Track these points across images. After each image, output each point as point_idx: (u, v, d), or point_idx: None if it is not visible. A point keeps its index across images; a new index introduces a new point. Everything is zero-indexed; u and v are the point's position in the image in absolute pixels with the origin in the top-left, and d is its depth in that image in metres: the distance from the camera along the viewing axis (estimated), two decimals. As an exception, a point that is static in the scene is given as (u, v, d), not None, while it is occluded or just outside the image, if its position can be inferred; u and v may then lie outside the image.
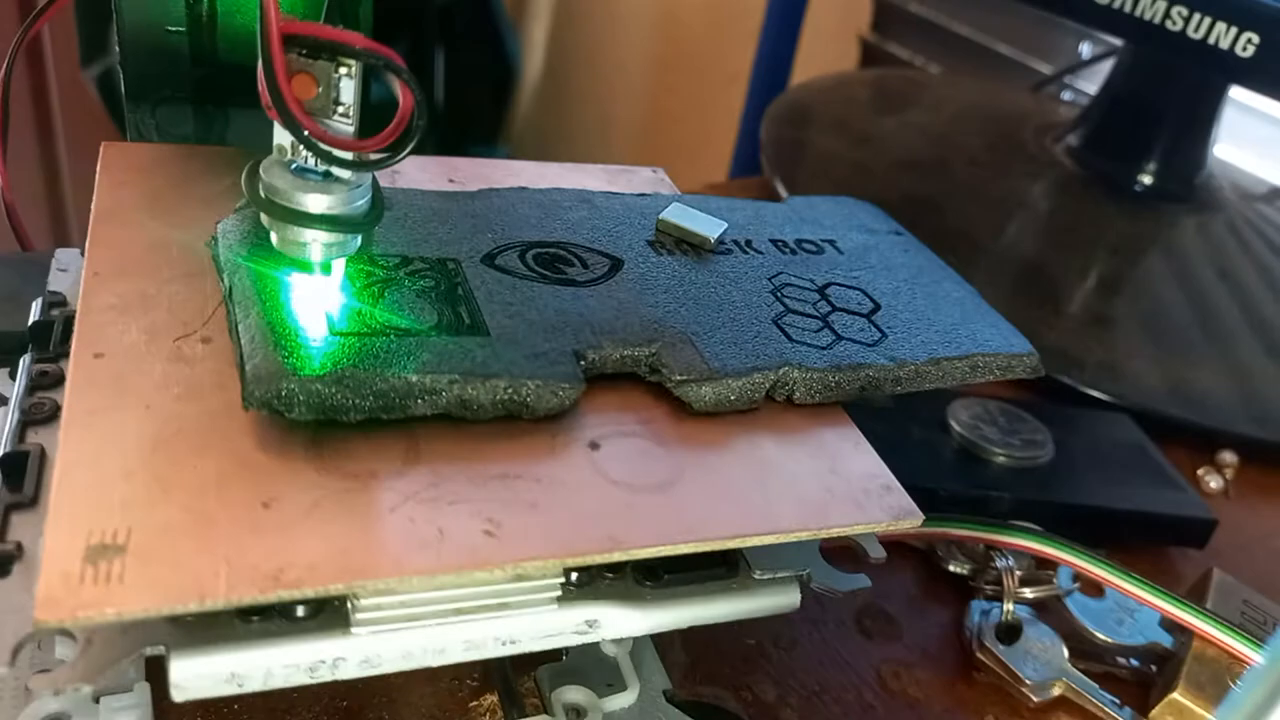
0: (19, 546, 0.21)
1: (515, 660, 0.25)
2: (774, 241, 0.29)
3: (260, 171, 0.20)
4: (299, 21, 0.19)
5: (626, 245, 0.27)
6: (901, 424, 0.36)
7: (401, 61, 0.19)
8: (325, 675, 0.20)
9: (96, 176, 0.26)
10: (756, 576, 0.23)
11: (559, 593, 0.21)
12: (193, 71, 0.28)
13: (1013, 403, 0.38)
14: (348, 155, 0.20)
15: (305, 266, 0.21)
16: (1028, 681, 0.29)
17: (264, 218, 0.21)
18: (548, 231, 0.26)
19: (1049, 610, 0.31)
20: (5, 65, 0.30)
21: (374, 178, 0.21)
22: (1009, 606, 0.30)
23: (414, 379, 0.20)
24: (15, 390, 0.25)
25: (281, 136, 0.20)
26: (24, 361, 0.25)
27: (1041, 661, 0.29)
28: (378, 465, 0.20)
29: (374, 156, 0.20)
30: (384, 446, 0.20)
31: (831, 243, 0.30)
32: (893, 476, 0.23)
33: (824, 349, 0.25)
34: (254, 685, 0.19)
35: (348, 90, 0.20)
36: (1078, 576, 0.32)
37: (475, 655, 0.21)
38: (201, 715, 0.23)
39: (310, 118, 0.19)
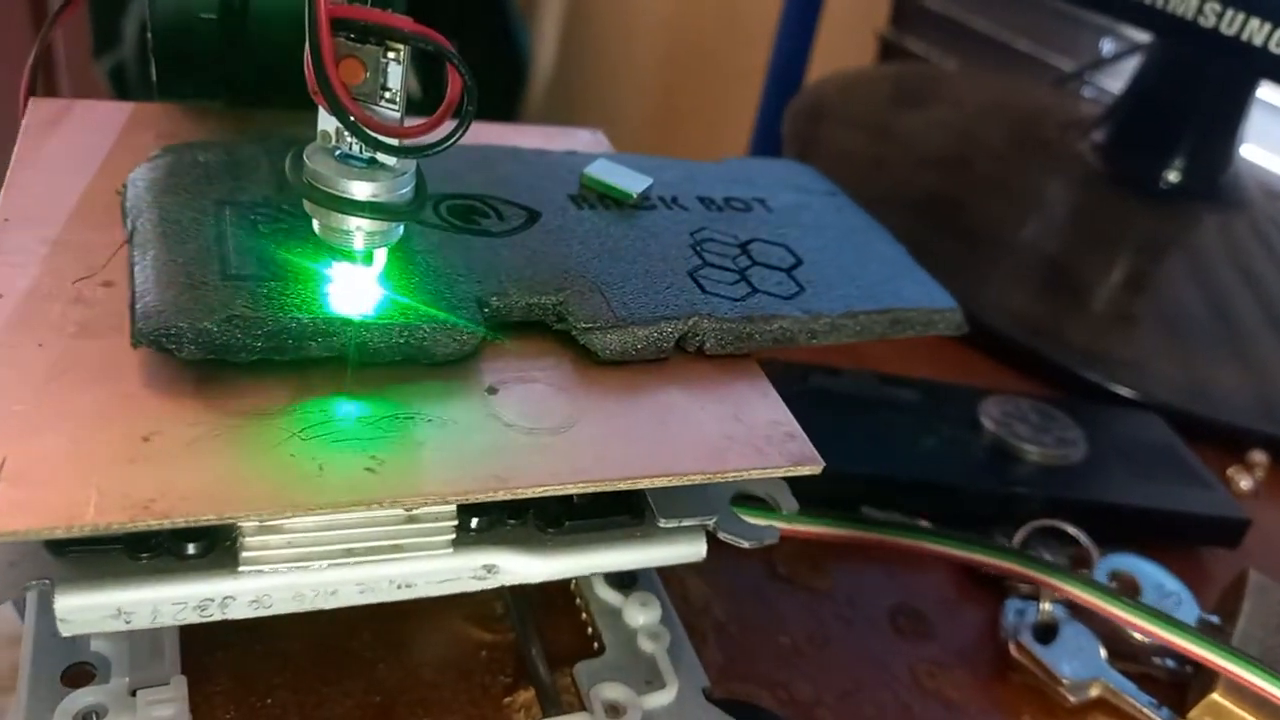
0: None
1: (551, 656, 0.25)
2: (701, 199, 0.29)
3: (304, 157, 0.20)
4: (347, 5, 0.19)
5: (547, 199, 0.26)
6: (932, 421, 0.36)
7: (450, 45, 0.19)
8: (215, 614, 0.20)
9: (21, 128, 0.26)
10: (661, 525, 0.23)
11: (453, 535, 0.21)
12: (225, 61, 0.28)
13: (1044, 400, 0.37)
14: (394, 141, 0.20)
15: (347, 255, 0.21)
16: (1065, 681, 0.29)
17: (307, 204, 0.21)
18: (466, 185, 0.26)
19: (1085, 609, 0.31)
20: (29, 64, 0.29)
21: (418, 164, 0.21)
22: (1045, 605, 0.30)
23: (306, 320, 0.20)
24: None
25: (326, 122, 0.20)
26: None
27: (1078, 660, 0.29)
28: (265, 403, 0.20)
29: (421, 143, 0.20)
30: (275, 386, 0.20)
31: (761, 201, 0.30)
32: (798, 425, 0.23)
33: (737, 300, 0.25)
34: (142, 622, 0.20)
35: (395, 75, 0.19)
36: (1114, 575, 0.32)
37: (370, 598, 0.21)
38: (235, 710, 0.23)
39: (357, 103, 0.19)
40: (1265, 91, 0.51)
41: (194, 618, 0.20)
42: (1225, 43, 0.41)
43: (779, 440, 0.22)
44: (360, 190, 0.20)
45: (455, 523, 0.21)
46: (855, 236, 0.29)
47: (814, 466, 0.22)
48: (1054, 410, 0.37)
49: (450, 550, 0.22)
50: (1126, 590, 0.31)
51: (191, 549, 0.20)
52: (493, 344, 0.22)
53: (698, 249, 0.26)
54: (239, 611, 0.20)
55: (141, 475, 0.18)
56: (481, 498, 0.19)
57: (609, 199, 0.27)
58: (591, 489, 0.20)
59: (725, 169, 0.31)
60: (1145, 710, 0.28)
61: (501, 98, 1.13)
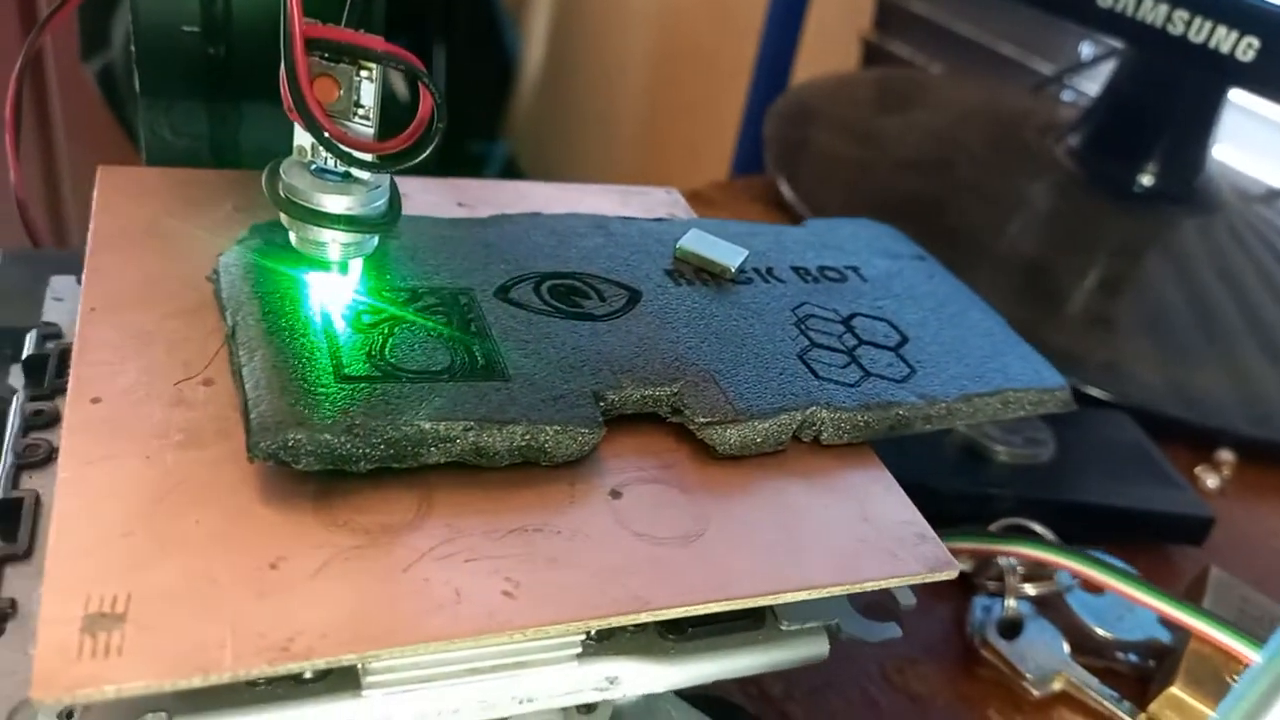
0: (13, 604, 0.20)
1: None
2: (795, 269, 0.28)
3: (280, 171, 0.21)
4: (322, 26, 0.19)
5: (644, 275, 0.26)
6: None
7: (421, 65, 0.20)
8: None
9: (94, 203, 0.25)
10: (784, 628, 0.22)
11: (579, 650, 0.21)
12: (207, 70, 0.29)
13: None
14: (367, 157, 0.20)
15: (324, 266, 0.21)
16: (1028, 676, 0.29)
17: (283, 217, 0.21)
18: (562, 261, 0.25)
19: (1050, 606, 0.31)
20: (18, 69, 0.30)
21: (392, 178, 0.22)
22: (1010, 602, 0.31)
23: (428, 426, 0.19)
24: (8, 431, 0.24)
25: (302, 138, 0.21)
26: (17, 400, 0.24)
27: (1043, 656, 0.30)
28: (389, 518, 0.19)
29: (393, 157, 0.20)
30: (395, 497, 0.19)
31: (855, 269, 0.29)
32: (926, 524, 0.22)
33: (852, 386, 0.24)
34: None
35: (368, 93, 0.20)
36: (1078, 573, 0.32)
37: (490, 714, 0.21)
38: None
39: (331, 120, 0.20)
40: (1237, 94, 0.52)
41: None
42: (1195, 50, 0.42)
43: (910, 543, 0.21)
44: (335, 204, 0.20)
45: (583, 636, 0.21)
46: (950, 305, 0.29)
47: (950, 571, 0.21)
48: (1024, 411, 0.37)
49: (575, 663, 0.21)
50: (1090, 586, 0.32)
51: (309, 674, 0.19)
52: (607, 439, 0.21)
53: (802, 327, 0.26)
54: None
55: (273, 611, 0.17)
56: (624, 621, 0.19)
57: (705, 272, 0.27)
58: (731, 607, 0.19)
59: (811, 233, 0.31)
60: (1107, 704, 0.29)
61: (492, 98, 1.13)
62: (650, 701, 0.25)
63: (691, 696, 0.25)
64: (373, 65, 0.20)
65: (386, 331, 0.21)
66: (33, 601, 0.20)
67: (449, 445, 0.20)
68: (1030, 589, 0.31)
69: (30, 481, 0.22)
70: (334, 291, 0.22)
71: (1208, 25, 0.41)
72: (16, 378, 0.29)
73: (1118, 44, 0.55)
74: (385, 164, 0.21)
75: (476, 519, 0.19)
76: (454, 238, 0.25)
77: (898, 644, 0.30)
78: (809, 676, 0.29)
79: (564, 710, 0.24)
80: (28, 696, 0.17)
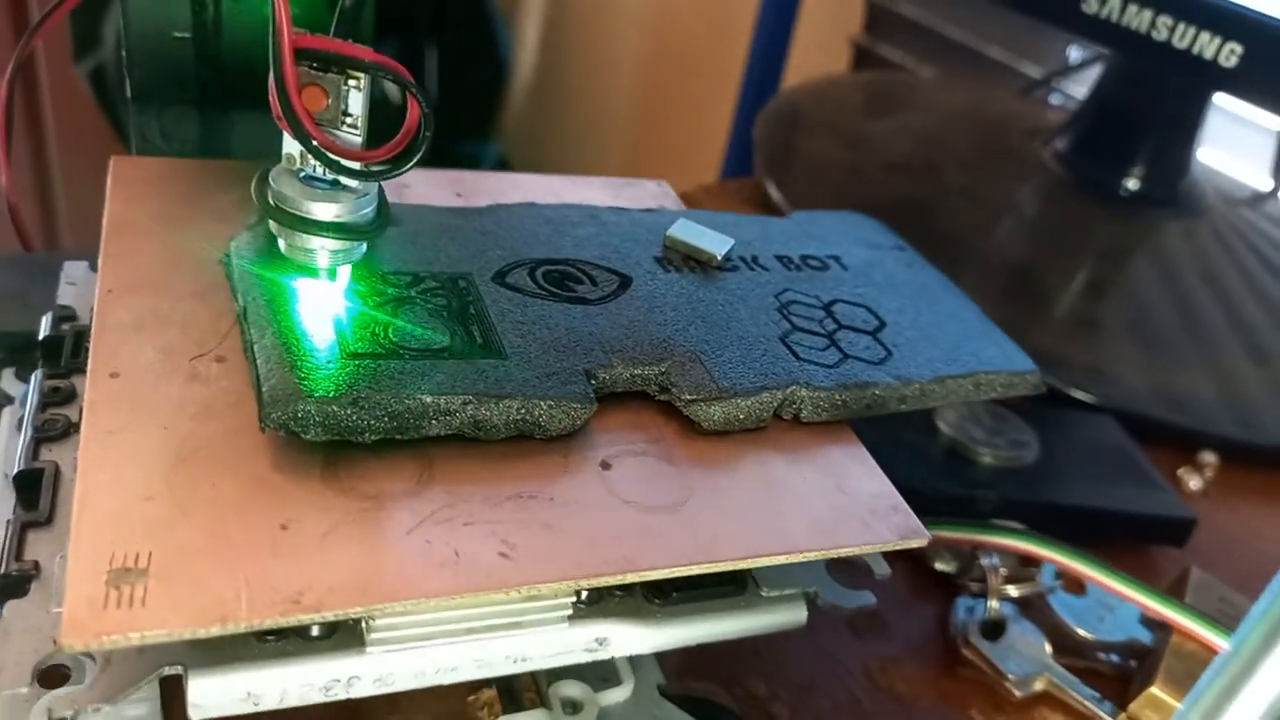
0: (36, 565, 0.21)
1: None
2: (779, 258, 0.29)
3: (270, 179, 0.21)
4: (310, 36, 0.20)
5: (635, 262, 0.27)
6: (890, 424, 0.37)
7: (409, 75, 0.20)
8: (339, 694, 0.20)
9: (108, 190, 0.26)
10: (764, 594, 0.24)
11: (570, 611, 0.22)
12: (198, 76, 0.29)
13: (999, 403, 0.38)
14: (355, 165, 0.21)
15: (312, 272, 0.22)
16: (1011, 676, 0.30)
17: (272, 224, 0.21)
18: (557, 249, 0.27)
19: (1032, 607, 0.32)
20: (9, 73, 0.30)
21: (380, 186, 0.22)
22: (993, 604, 0.31)
23: (429, 400, 0.20)
24: (27, 406, 0.25)
25: (291, 146, 0.21)
26: (35, 377, 0.25)
27: (1024, 657, 0.30)
28: (392, 485, 0.20)
29: (381, 166, 0.21)
30: (398, 466, 0.20)
31: (836, 259, 0.30)
32: (899, 496, 0.23)
33: (831, 367, 0.25)
34: (269, 703, 0.20)
35: (356, 102, 0.20)
36: (1060, 574, 0.33)
37: (486, 673, 0.22)
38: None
39: (319, 129, 0.20)
40: (1221, 99, 0.52)
41: (319, 697, 0.20)
42: (1179, 56, 0.42)
43: (884, 513, 0.23)
44: (323, 211, 0.21)
45: (574, 599, 0.22)
46: (928, 293, 0.30)
47: (920, 539, 0.22)
48: (1007, 413, 0.38)
49: (566, 625, 0.22)
50: (1072, 588, 0.32)
51: (316, 631, 0.20)
52: (598, 415, 0.22)
53: (785, 311, 0.27)
54: (362, 690, 0.21)
55: (285, 568, 0.18)
56: (613, 580, 0.20)
57: (693, 260, 0.28)
58: (714, 569, 0.20)
59: (795, 224, 0.32)
60: (1088, 704, 0.29)
61: (484, 99, 1.13)
62: (636, 703, 0.25)
63: (677, 697, 0.25)
64: (361, 75, 0.20)
65: (390, 312, 0.22)
66: (54, 564, 0.21)
67: (449, 418, 0.21)
68: (1013, 590, 0.32)
69: (49, 454, 0.23)
70: (324, 298, 0.22)
71: (1191, 31, 0.42)
72: (9, 382, 0.29)
73: (1104, 49, 0.55)
74: (373, 172, 0.21)
75: (475, 487, 0.20)
76: (453, 225, 0.26)
77: (881, 644, 0.31)
78: (794, 676, 0.29)
79: (550, 712, 0.24)
80: (55, 648, 0.19)
